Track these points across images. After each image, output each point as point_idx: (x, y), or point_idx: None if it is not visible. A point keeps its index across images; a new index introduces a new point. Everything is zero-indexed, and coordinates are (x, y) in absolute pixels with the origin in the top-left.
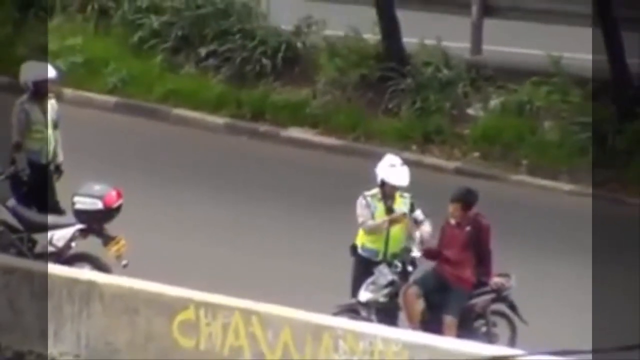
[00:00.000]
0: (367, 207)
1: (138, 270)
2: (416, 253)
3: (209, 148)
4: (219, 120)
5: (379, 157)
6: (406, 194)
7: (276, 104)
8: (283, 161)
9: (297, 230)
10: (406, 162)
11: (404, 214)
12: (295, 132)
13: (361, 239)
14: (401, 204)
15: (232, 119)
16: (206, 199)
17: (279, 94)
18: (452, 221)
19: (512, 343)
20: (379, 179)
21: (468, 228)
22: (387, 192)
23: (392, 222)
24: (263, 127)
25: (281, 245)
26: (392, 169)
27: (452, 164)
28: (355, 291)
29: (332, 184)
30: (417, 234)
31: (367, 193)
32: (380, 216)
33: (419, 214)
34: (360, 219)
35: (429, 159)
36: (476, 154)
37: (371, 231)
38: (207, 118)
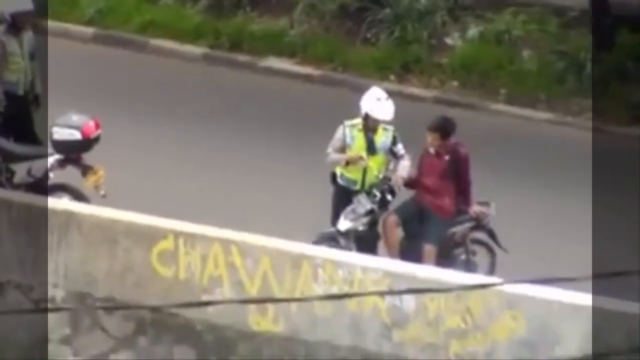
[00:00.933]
0: (341, 140)
1: (115, 201)
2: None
3: (188, 78)
4: (197, 50)
5: (357, 87)
6: (389, 127)
7: (254, 33)
8: (261, 91)
9: (275, 160)
10: (385, 91)
11: (361, 157)
12: (274, 62)
13: (340, 168)
14: (382, 136)
15: (211, 49)
16: (184, 130)
17: (257, 24)
18: (431, 150)
19: (491, 271)
20: (362, 111)
21: (447, 157)
22: (370, 125)
23: (349, 162)
24: (241, 57)
25: (259, 175)
26: (377, 102)
27: (430, 93)
28: (334, 219)
29: (310, 114)
30: (392, 166)
31: (348, 122)
32: (359, 147)
33: (399, 148)
34: (328, 149)
35: (407, 89)
36: (454, 83)
37: (331, 163)
38: (185, 48)
